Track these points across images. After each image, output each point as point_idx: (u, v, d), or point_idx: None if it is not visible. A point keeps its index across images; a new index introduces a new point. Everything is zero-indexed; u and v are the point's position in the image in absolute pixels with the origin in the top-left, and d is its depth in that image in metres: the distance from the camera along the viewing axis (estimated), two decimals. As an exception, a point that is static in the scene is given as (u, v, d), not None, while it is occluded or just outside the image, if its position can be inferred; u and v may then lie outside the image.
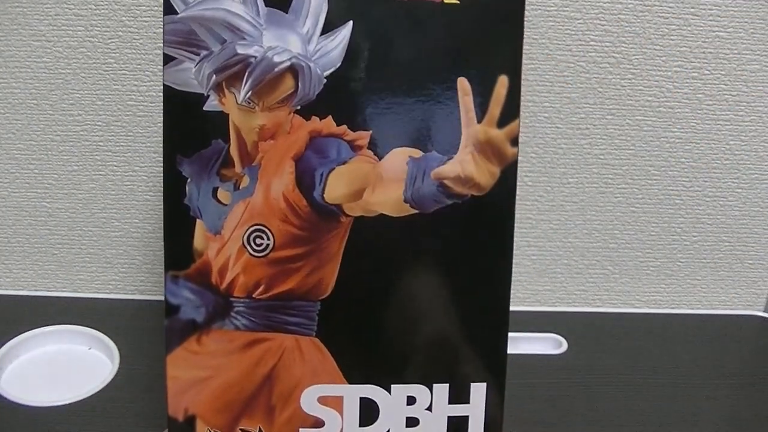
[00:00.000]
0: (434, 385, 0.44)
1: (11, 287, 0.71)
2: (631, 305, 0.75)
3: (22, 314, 0.65)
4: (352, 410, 0.44)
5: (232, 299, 0.42)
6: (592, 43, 0.65)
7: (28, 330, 0.62)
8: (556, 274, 0.73)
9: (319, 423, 0.44)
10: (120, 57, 0.64)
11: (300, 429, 0.44)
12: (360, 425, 0.44)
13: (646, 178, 0.69)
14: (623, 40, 0.65)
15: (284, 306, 0.43)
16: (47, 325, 0.62)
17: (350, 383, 0.43)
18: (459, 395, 0.44)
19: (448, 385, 0.44)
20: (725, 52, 0.65)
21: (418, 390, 0.44)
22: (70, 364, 0.60)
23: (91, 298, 0.69)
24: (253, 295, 0.42)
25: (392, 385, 0.44)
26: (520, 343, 0.65)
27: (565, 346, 0.65)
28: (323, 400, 0.43)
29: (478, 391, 0.44)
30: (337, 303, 0.43)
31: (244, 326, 0.43)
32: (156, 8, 0.62)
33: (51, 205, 0.68)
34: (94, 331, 0.62)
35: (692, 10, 0.64)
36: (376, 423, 0.44)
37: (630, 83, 0.66)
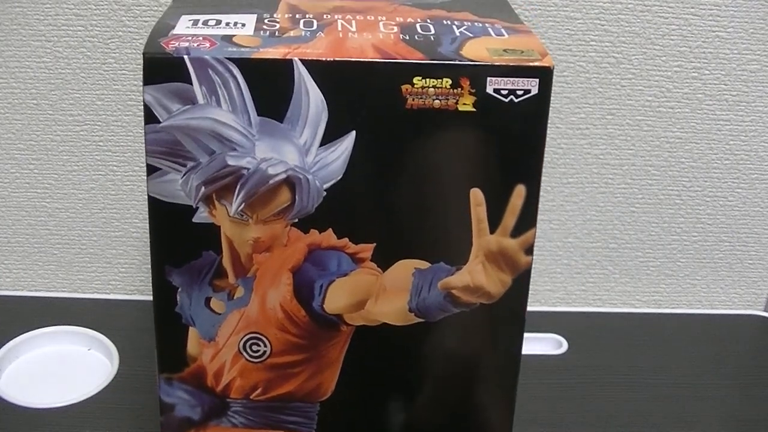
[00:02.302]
0: None
1: (11, 287, 0.71)
2: (631, 305, 0.75)
3: (22, 314, 0.65)
4: None
5: (228, 400, 0.42)
6: (592, 43, 0.65)
7: (28, 330, 0.62)
8: (556, 274, 0.73)
9: None
10: (120, 57, 0.64)
11: None
12: None
13: (646, 178, 0.69)
14: (623, 40, 0.65)
15: (283, 407, 0.42)
16: (47, 326, 0.62)
17: None
18: None
19: None
20: (725, 52, 0.65)
21: None
22: (69, 365, 0.60)
23: (91, 299, 0.69)
24: (251, 397, 0.42)
25: None
26: (520, 343, 0.65)
27: (565, 346, 0.65)
28: None
29: None
30: (337, 404, 0.42)
31: (242, 424, 0.42)
32: (156, 8, 0.62)
33: (51, 205, 0.68)
34: (94, 331, 0.62)
35: (692, 10, 0.64)
36: None
37: (630, 83, 0.66)
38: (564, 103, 0.66)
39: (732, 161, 0.69)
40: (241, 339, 0.40)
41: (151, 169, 0.37)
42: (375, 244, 0.39)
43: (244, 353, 0.41)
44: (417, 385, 0.43)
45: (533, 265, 0.72)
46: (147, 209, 0.39)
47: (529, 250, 0.39)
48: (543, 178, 0.68)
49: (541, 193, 0.69)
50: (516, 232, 0.39)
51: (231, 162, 0.37)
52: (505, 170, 0.38)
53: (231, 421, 0.42)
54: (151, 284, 0.40)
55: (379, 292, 0.39)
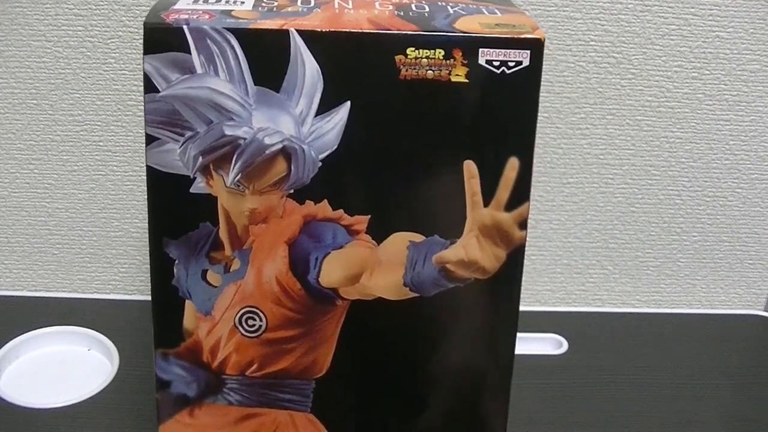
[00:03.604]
0: None
1: (11, 287, 0.71)
2: (631, 305, 0.75)
3: (22, 314, 0.65)
4: None
5: (224, 376, 0.42)
6: (592, 43, 0.65)
7: (28, 330, 0.62)
8: (556, 274, 0.73)
9: None
10: (120, 57, 0.64)
11: None
12: None
13: (646, 178, 0.69)
14: (623, 40, 0.65)
15: (278, 384, 0.42)
16: (47, 326, 0.62)
17: None
18: None
19: None
20: (725, 52, 0.65)
21: None
22: (69, 365, 0.60)
23: (91, 299, 0.69)
24: (246, 373, 0.42)
25: None
26: (520, 343, 0.65)
27: (565, 346, 0.65)
28: None
29: None
30: (332, 381, 0.42)
31: (237, 402, 0.42)
32: (156, 8, 0.62)
33: (51, 205, 0.68)
34: (94, 331, 0.62)
35: (692, 10, 0.64)
36: None
37: (630, 83, 0.66)
38: (564, 103, 0.66)
39: (732, 161, 0.69)
40: (237, 313, 0.40)
41: (149, 139, 0.38)
42: (370, 216, 0.39)
43: (240, 328, 0.41)
44: (412, 363, 0.42)
45: (533, 266, 0.72)
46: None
47: (523, 225, 0.39)
48: (543, 178, 0.69)
49: (541, 194, 0.69)
50: (510, 206, 0.39)
51: (228, 132, 0.37)
52: (497, 142, 0.38)
53: (227, 398, 0.42)
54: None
55: (374, 266, 0.40)
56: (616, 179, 0.69)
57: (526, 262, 0.41)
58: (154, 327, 0.41)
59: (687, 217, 0.71)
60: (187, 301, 0.40)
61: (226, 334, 0.41)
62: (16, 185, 0.68)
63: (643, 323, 0.70)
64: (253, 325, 0.41)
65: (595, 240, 0.72)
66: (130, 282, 0.71)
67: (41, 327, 0.62)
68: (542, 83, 0.66)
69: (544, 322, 0.67)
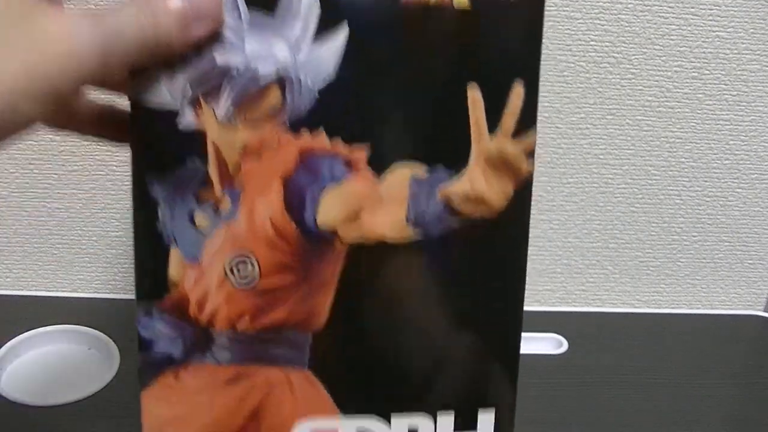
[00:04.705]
0: (438, 414, 0.40)
1: (11, 287, 0.71)
2: (631, 305, 0.75)
3: (22, 314, 0.65)
4: None
5: (212, 332, 0.38)
6: (592, 43, 0.65)
7: (28, 330, 0.62)
8: (556, 274, 0.73)
9: None
10: (120, 57, 0.64)
11: None
12: None
13: (646, 178, 0.69)
14: (623, 40, 0.65)
15: (272, 338, 0.38)
16: (47, 325, 0.62)
17: (346, 415, 0.39)
18: (466, 424, 0.40)
19: (453, 413, 0.40)
20: (725, 52, 0.65)
21: (420, 420, 0.40)
22: (70, 364, 0.60)
23: (91, 298, 0.69)
24: (237, 328, 0.38)
25: (392, 416, 0.40)
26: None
27: (565, 346, 0.65)
28: None
29: (487, 419, 0.41)
30: (330, 335, 0.38)
31: (227, 360, 0.38)
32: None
33: (51, 205, 0.68)
34: (94, 331, 0.62)
35: (692, 10, 0.64)
36: None
37: (630, 83, 0.66)
38: (564, 103, 0.66)
39: (732, 161, 0.69)
40: (228, 259, 0.37)
41: (133, 73, 0.35)
42: (369, 144, 0.36)
43: (231, 277, 0.37)
44: (416, 313, 0.39)
45: (533, 266, 0.72)
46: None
47: (530, 155, 0.37)
48: (543, 178, 0.69)
49: (541, 193, 0.69)
50: (516, 135, 0.37)
51: (219, 60, 0.35)
52: (502, 67, 0.37)
53: (215, 357, 0.38)
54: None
55: (374, 203, 0.37)
56: (616, 179, 0.69)
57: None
58: (136, 278, 0.37)
59: (687, 217, 0.71)
60: (172, 248, 0.37)
61: (215, 284, 0.37)
62: (16, 185, 0.68)
63: (643, 323, 0.70)
64: (245, 273, 0.37)
65: (595, 240, 0.72)
66: (130, 282, 0.71)
67: (41, 327, 0.62)
68: (542, 83, 0.67)
69: (544, 322, 0.67)
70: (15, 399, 0.55)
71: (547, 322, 0.68)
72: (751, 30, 0.65)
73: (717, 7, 0.64)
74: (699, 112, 0.67)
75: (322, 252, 0.37)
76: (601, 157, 0.68)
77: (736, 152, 0.69)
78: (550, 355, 0.64)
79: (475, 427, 0.40)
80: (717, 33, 0.65)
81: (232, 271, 0.37)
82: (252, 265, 0.37)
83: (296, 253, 0.37)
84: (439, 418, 0.40)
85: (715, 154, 0.69)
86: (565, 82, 0.66)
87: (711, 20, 0.64)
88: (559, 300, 0.74)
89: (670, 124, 0.68)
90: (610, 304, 0.74)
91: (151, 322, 0.38)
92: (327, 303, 0.38)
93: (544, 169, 0.68)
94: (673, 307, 0.75)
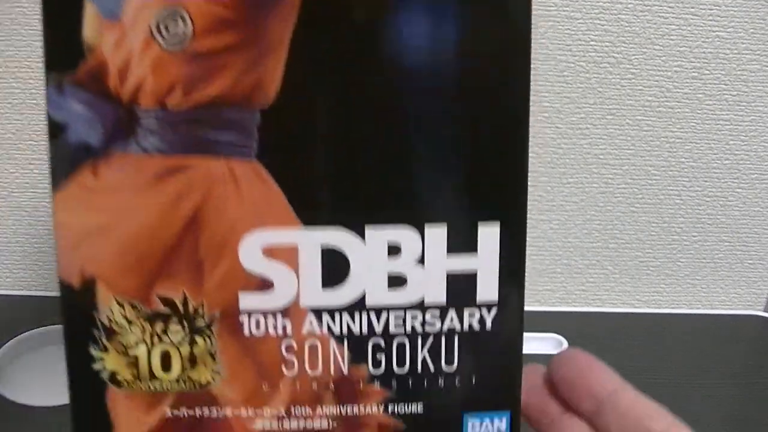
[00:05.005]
0: (426, 228, 0.31)
1: (11, 287, 0.71)
2: (631, 305, 0.75)
3: (22, 314, 0.65)
4: (311, 265, 0.31)
5: (138, 111, 0.30)
6: (592, 43, 0.65)
7: (28, 330, 0.62)
8: (556, 274, 0.73)
9: (265, 284, 0.31)
10: (120, 57, 0.64)
11: (239, 292, 0.31)
12: (323, 286, 0.31)
13: (646, 178, 0.69)
14: (623, 40, 0.65)
15: (210, 118, 0.30)
16: (47, 325, 0.62)
17: (307, 226, 0.30)
18: (462, 241, 0.31)
19: (446, 226, 0.31)
20: (725, 52, 0.65)
21: (403, 234, 0.31)
22: (70, 364, 0.60)
23: (91, 298, 0.69)
24: (167, 105, 0.30)
25: (366, 228, 0.31)
26: (520, 343, 0.65)
27: (565, 346, 0.65)
28: (270, 252, 0.31)
29: (489, 235, 0.31)
30: (284, 112, 0.30)
31: (156, 149, 0.30)
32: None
33: (51, 204, 0.68)
34: (94, 331, 0.62)
35: (692, 10, 0.64)
36: (345, 282, 0.31)
37: (630, 83, 0.66)
38: (564, 103, 0.66)
39: (732, 161, 0.69)
40: (154, 15, 0.30)
41: None
42: None
43: (158, 36, 0.30)
44: (394, 90, 0.30)
45: (533, 266, 0.72)
46: None
47: None
48: (543, 178, 0.69)
49: (541, 193, 0.69)
50: None
51: None
52: None
53: (141, 144, 0.30)
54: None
55: None
56: (616, 179, 0.69)
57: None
58: (44, 42, 0.31)
59: (687, 217, 0.71)
60: (87, 2, 0.30)
61: (140, 47, 0.30)
62: (16, 185, 0.68)
63: (643, 323, 0.70)
64: (176, 31, 0.30)
65: (595, 240, 0.72)
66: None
67: (41, 327, 0.62)
68: (542, 83, 0.66)
69: (544, 322, 0.67)
70: (15, 399, 0.55)
71: (547, 322, 0.68)
72: (751, 30, 0.65)
73: (717, 7, 0.64)
74: (699, 112, 0.67)
75: (270, 4, 0.30)
76: (601, 157, 0.68)
77: (736, 152, 0.69)
78: (551, 355, 0.64)
79: (474, 247, 0.31)
80: (717, 33, 0.65)
81: (159, 29, 0.30)
82: (183, 20, 0.30)
83: (238, 5, 0.30)
84: (427, 232, 0.31)
85: (715, 154, 0.69)
86: (565, 82, 0.66)
87: (711, 20, 0.64)
88: (559, 300, 0.74)
89: (670, 124, 0.68)
90: (610, 304, 0.74)
91: (62, 100, 0.30)
92: (278, 70, 0.30)
93: (544, 169, 0.68)
94: (673, 307, 0.75)
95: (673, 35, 0.65)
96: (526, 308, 0.41)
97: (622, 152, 0.68)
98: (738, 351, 0.67)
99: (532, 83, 0.32)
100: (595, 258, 0.72)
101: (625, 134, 0.68)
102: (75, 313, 0.33)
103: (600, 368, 0.35)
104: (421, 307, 0.31)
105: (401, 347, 0.32)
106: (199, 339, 0.32)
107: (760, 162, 0.69)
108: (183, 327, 0.31)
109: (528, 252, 0.39)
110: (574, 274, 0.73)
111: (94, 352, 0.33)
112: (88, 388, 0.35)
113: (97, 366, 0.33)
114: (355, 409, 0.32)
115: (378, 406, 0.32)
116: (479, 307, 0.32)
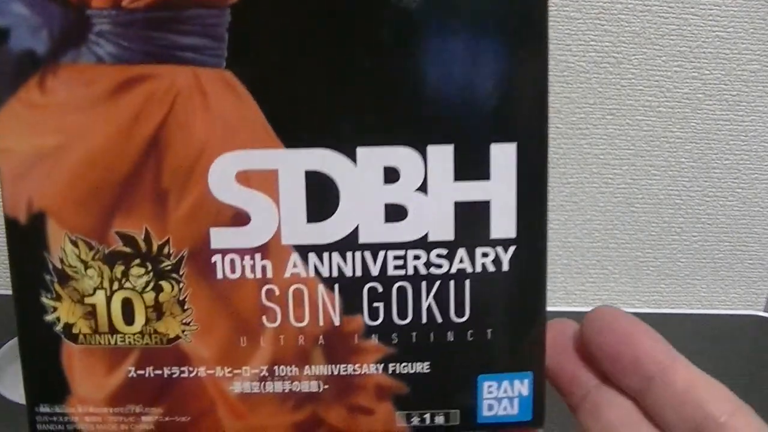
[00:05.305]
0: (429, 148, 0.25)
1: (11, 287, 0.71)
2: (631, 305, 0.74)
3: (23, 314, 0.65)
4: (294, 194, 0.25)
5: (89, 12, 0.25)
6: (592, 43, 0.65)
7: (28, 330, 0.62)
8: (556, 274, 0.73)
9: (240, 217, 0.26)
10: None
11: (210, 228, 0.26)
12: (308, 219, 0.26)
13: (646, 178, 0.69)
14: (623, 40, 0.65)
15: (173, 20, 0.25)
16: (47, 325, 0.62)
17: (288, 147, 0.25)
18: (472, 165, 0.26)
19: (452, 147, 0.25)
20: (725, 52, 0.65)
21: (402, 156, 0.25)
22: (70, 364, 0.60)
23: (91, 298, 0.69)
24: (122, 4, 0.25)
25: (358, 149, 0.25)
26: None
27: (565, 346, 0.65)
28: (245, 178, 0.25)
29: (504, 157, 0.25)
30: (260, 8, 0.25)
31: (111, 56, 0.25)
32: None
33: None
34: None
35: (692, 10, 0.64)
36: (334, 215, 0.26)
37: (630, 83, 0.66)
38: (564, 103, 0.66)
39: (732, 161, 0.69)
40: None
41: None
42: None
43: None
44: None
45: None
46: None
47: None
48: (543, 178, 0.69)
49: (541, 193, 0.69)
50: None
51: None
52: None
53: (95, 51, 0.25)
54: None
55: None
56: (616, 179, 0.69)
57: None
58: None
59: (687, 217, 0.71)
60: None
61: None
62: (17, 185, 0.68)
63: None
64: None
65: (595, 240, 0.72)
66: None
67: (41, 327, 0.62)
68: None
69: (544, 322, 0.67)
70: (15, 399, 0.55)
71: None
72: (751, 30, 0.65)
73: (717, 7, 0.64)
74: (699, 112, 0.67)
75: None
76: (601, 157, 0.68)
77: (736, 152, 0.69)
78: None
79: (487, 172, 0.26)
80: (717, 33, 0.65)
81: None
82: None
83: None
84: (430, 154, 0.25)
85: (715, 154, 0.69)
86: (565, 82, 0.66)
87: (711, 20, 0.64)
88: (559, 300, 0.74)
89: (670, 124, 0.68)
90: (610, 304, 0.74)
91: (2, 1, 0.25)
92: None
93: (544, 169, 0.68)
94: (673, 307, 0.75)
95: (673, 35, 0.65)
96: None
97: (622, 152, 0.68)
98: (738, 351, 0.67)
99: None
100: (595, 258, 0.72)
101: (625, 134, 0.68)
102: (23, 254, 0.28)
103: (648, 334, 0.29)
104: (425, 244, 0.26)
105: (402, 294, 0.26)
106: (165, 284, 0.26)
107: (760, 162, 0.69)
108: (146, 269, 0.26)
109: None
110: (574, 274, 0.73)
111: (46, 300, 0.28)
112: (40, 344, 0.30)
113: (49, 317, 0.29)
114: (349, 369, 0.27)
115: (376, 365, 0.27)
116: (494, 244, 0.26)
